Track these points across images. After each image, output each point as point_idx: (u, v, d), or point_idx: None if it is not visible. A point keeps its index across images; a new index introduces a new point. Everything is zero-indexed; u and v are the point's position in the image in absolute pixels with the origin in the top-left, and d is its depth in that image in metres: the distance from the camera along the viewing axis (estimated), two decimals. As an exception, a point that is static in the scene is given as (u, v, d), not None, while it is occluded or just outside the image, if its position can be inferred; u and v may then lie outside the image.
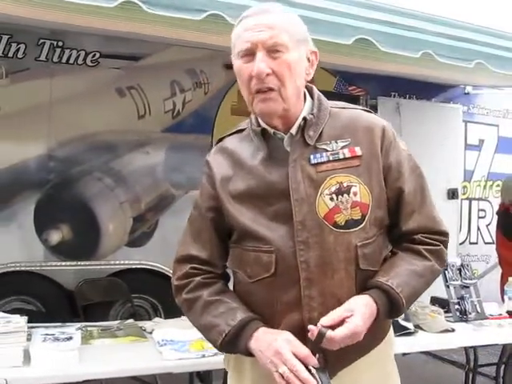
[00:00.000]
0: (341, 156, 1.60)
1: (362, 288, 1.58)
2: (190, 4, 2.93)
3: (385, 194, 1.63)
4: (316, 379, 1.44)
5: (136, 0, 2.76)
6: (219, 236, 1.70)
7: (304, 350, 1.49)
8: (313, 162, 1.59)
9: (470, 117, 6.56)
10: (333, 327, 1.47)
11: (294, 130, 1.62)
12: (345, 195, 1.57)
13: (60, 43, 4.53)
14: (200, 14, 2.94)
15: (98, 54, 4.66)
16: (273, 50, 1.54)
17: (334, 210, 1.57)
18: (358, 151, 1.61)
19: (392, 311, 1.59)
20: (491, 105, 6.70)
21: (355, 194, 1.58)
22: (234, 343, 1.58)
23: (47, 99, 4.50)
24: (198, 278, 1.67)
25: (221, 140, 1.77)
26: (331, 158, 1.60)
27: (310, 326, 1.49)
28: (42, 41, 4.47)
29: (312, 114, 1.63)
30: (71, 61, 4.60)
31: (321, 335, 1.46)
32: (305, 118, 1.61)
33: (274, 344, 1.50)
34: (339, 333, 1.46)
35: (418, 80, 5.76)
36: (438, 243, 1.68)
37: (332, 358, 1.51)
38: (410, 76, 5.52)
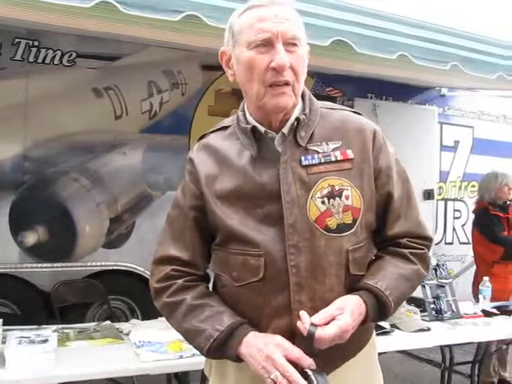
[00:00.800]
0: (332, 159, 1.56)
1: (351, 292, 1.56)
2: (166, 5, 2.91)
3: (375, 198, 1.61)
4: (313, 381, 1.41)
5: (112, 0, 2.74)
6: (201, 236, 1.63)
7: (296, 352, 1.45)
8: (304, 163, 1.55)
9: (446, 118, 6.63)
10: (323, 326, 1.45)
11: (286, 130, 1.58)
12: (337, 199, 1.54)
13: (36, 43, 4.49)
14: (177, 14, 2.92)
15: (74, 54, 4.63)
16: (290, 43, 1.50)
17: (325, 214, 1.53)
18: (350, 154, 1.58)
19: (380, 314, 1.57)
20: (466, 106, 6.78)
21: (347, 198, 1.55)
22: (222, 349, 1.52)
23: (23, 99, 4.46)
24: (179, 281, 1.61)
25: (203, 137, 1.70)
26: (323, 161, 1.56)
27: (299, 324, 1.47)
28: (17, 40, 4.43)
29: (304, 115, 1.59)
30: (47, 61, 4.56)
31: (311, 334, 1.44)
32: (298, 118, 1.57)
33: (265, 349, 1.46)
34: (329, 331, 1.44)
35: (394, 82, 5.81)
36: (422, 247, 1.67)
37: (320, 362, 1.47)
38: (387, 78, 5.57)
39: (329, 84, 5.66)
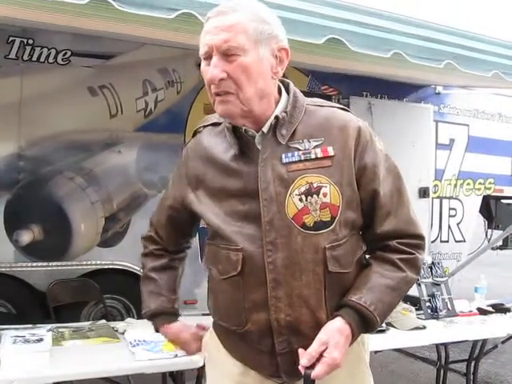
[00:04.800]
0: (313, 156, 1.58)
1: (332, 290, 1.59)
2: (162, 2, 2.91)
3: (357, 195, 1.61)
4: None
5: (107, -3, 2.73)
6: (174, 230, 1.85)
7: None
8: (284, 161, 1.57)
9: (441, 116, 6.63)
10: (313, 364, 1.50)
11: (265, 129, 1.60)
12: (314, 196, 1.56)
13: (30, 41, 4.47)
14: (172, 12, 2.92)
15: (69, 53, 4.60)
16: (228, 54, 1.52)
17: (302, 211, 1.56)
18: (331, 151, 1.58)
19: (366, 328, 1.60)
20: (461, 105, 6.77)
21: (325, 195, 1.56)
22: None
23: (17, 98, 4.44)
24: (151, 247, 1.89)
25: (197, 131, 1.76)
26: (303, 158, 1.57)
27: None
28: (12, 38, 4.40)
29: (285, 112, 1.60)
30: (42, 59, 4.53)
31: (307, 378, 1.49)
32: (277, 117, 1.59)
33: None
34: (319, 372, 1.48)
35: (389, 80, 5.80)
36: (412, 251, 1.65)
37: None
38: (382, 76, 5.57)
39: (324, 82, 5.65)
